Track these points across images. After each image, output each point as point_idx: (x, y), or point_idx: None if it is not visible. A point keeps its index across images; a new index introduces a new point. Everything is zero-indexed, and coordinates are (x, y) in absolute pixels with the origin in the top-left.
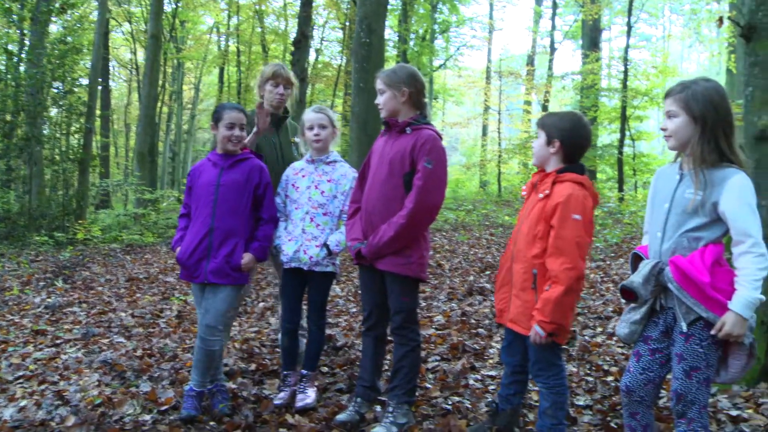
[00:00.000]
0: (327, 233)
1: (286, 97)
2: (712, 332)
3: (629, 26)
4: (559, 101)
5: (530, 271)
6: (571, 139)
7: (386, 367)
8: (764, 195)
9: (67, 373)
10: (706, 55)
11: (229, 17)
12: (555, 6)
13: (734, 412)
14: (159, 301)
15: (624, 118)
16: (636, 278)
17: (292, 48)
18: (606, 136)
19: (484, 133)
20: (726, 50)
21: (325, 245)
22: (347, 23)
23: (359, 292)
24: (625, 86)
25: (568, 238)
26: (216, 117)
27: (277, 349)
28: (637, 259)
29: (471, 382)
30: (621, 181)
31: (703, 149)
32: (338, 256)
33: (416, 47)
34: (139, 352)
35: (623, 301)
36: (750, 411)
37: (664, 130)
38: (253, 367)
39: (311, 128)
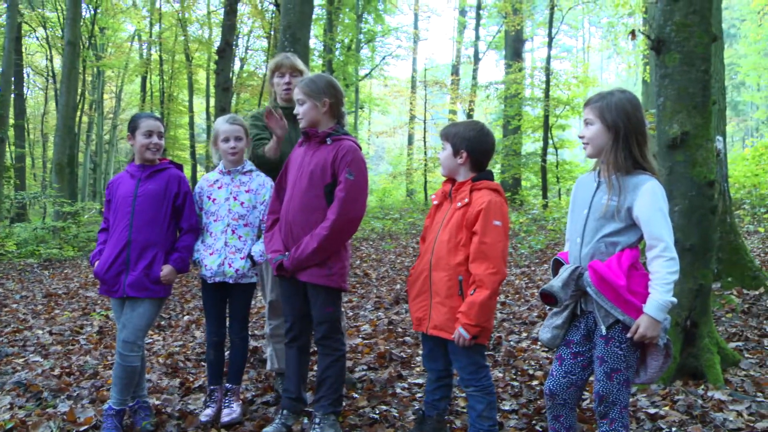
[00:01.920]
0: (249, 244)
1: (295, 86)
2: (628, 335)
3: (550, 37)
4: (484, 110)
5: (455, 279)
6: (477, 147)
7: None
8: (676, 201)
9: None
10: (624, 66)
11: (151, 25)
12: (479, 17)
13: (652, 410)
14: (79, 317)
15: (547, 127)
16: (555, 282)
17: (216, 57)
18: (530, 144)
19: (410, 142)
20: (642, 62)
21: (250, 256)
22: (272, 32)
23: None
24: (547, 96)
25: (491, 244)
26: (132, 126)
27: (203, 363)
28: (558, 265)
29: (398, 390)
30: (545, 189)
31: (617, 156)
32: (260, 265)
33: (342, 57)
34: (57, 371)
35: (547, 306)
36: (666, 408)
37: (582, 137)
38: (177, 382)
39: (227, 140)
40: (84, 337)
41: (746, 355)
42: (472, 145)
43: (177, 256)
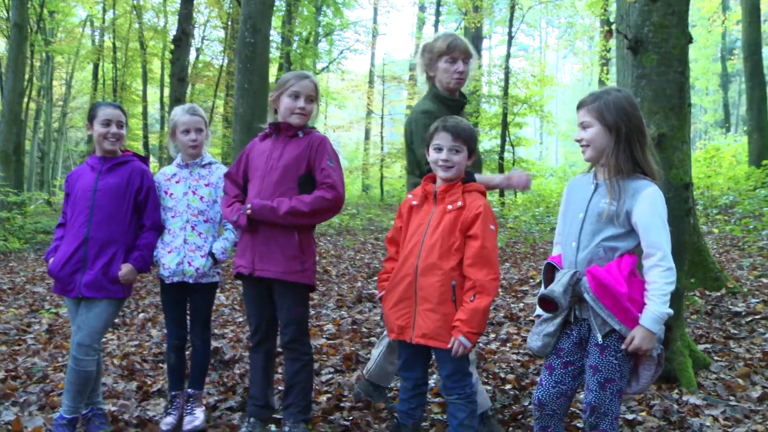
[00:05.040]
0: (210, 241)
1: (467, 75)
2: (623, 346)
3: (510, 36)
4: None
5: (449, 284)
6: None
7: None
8: None
9: None
10: (579, 67)
11: (104, 11)
12: (438, 13)
13: (630, 416)
14: (26, 315)
15: (505, 125)
16: (556, 288)
17: (172, 46)
18: (487, 141)
19: (367, 137)
20: (599, 62)
21: (211, 254)
22: (230, 23)
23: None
24: (506, 94)
25: (490, 249)
26: (91, 115)
27: (161, 365)
28: (550, 270)
29: None
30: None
31: (619, 158)
32: (222, 263)
33: (299, 49)
34: (1, 374)
35: (542, 312)
36: (644, 414)
37: (579, 141)
38: (134, 385)
39: (187, 132)
40: (32, 336)
41: (715, 358)
42: (476, 146)
43: (138, 254)
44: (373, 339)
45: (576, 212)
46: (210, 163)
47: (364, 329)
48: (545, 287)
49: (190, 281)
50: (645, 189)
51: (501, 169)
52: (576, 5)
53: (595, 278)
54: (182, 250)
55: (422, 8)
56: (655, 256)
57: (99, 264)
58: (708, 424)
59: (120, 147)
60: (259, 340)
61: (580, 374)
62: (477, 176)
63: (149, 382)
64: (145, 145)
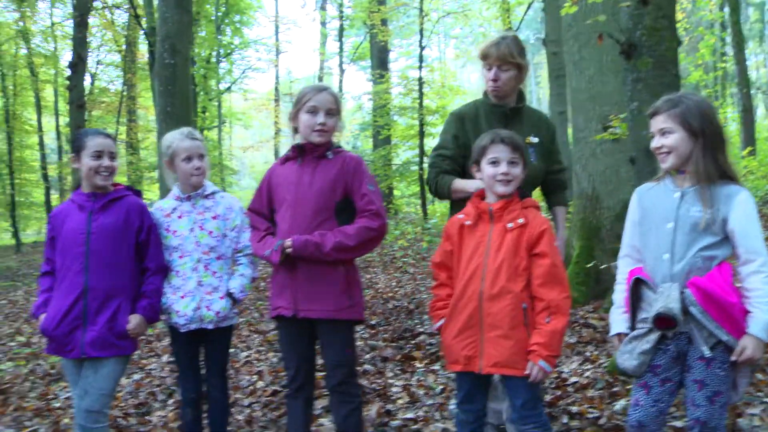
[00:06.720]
0: (226, 280)
1: (505, 81)
2: (732, 358)
3: (422, 47)
4: (350, 121)
5: (519, 307)
6: None
7: None
8: None
9: None
10: (476, 75)
11: None
12: (342, 28)
13: (678, 424)
14: None
15: (422, 136)
16: (673, 304)
17: (66, 72)
18: (401, 153)
19: (277, 156)
20: None
21: (229, 294)
22: (126, 45)
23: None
24: (421, 105)
25: (560, 266)
26: (77, 146)
27: (147, 417)
28: (638, 285)
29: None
30: (424, 197)
31: (707, 164)
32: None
33: (201, 70)
34: None
35: (658, 330)
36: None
37: (658, 148)
38: None
39: (189, 159)
40: None
41: None
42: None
43: (146, 303)
44: (367, 367)
45: (661, 222)
46: (213, 193)
47: None
48: (631, 302)
49: (210, 327)
50: (738, 194)
51: (422, 180)
52: (483, 15)
53: (700, 290)
54: (197, 293)
55: (324, 24)
56: (756, 262)
57: (103, 318)
58: (757, 424)
59: (111, 182)
60: (299, 386)
61: (676, 390)
62: (456, 182)
63: None
64: (45, 176)
